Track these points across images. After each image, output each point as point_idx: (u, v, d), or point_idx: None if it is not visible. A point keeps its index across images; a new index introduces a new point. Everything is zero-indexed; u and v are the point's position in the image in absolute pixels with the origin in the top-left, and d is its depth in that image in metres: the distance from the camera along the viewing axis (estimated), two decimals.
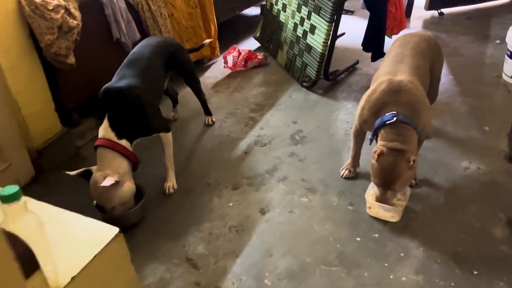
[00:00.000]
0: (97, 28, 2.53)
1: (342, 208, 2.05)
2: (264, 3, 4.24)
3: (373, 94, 1.97)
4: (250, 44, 4.05)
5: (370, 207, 1.99)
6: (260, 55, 3.55)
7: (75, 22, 2.26)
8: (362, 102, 2.05)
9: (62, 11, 2.19)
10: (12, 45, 2.11)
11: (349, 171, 2.24)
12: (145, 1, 2.77)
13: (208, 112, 2.79)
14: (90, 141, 2.66)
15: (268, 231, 1.96)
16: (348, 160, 2.26)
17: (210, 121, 2.79)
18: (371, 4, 2.97)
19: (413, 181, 2.15)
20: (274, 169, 2.35)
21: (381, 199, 1.88)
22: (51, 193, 2.28)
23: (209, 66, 3.63)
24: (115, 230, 1.02)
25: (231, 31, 4.25)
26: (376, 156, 1.81)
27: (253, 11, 4.71)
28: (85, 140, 2.66)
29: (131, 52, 2.24)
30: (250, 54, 3.50)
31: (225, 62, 3.47)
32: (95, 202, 1.96)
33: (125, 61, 2.18)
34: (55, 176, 2.40)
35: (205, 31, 3.42)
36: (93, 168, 1.92)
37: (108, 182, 1.79)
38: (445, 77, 3.11)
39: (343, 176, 2.24)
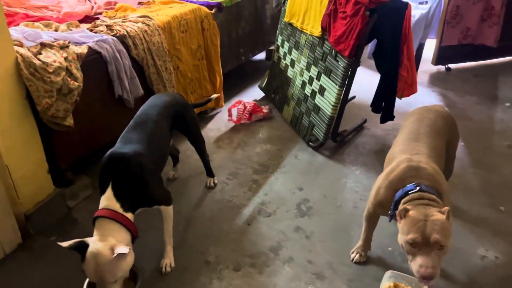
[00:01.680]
0: (98, 85, 2.42)
1: None
2: (271, 48, 4.19)
3: (391, 173, 1.84)
4: (255, 92, 3.96)
5: None
6: (265, 109, 3.45)
7: (76, 83, 2.14)
8: (377, 183, 1.92)
9: (63, 73, 2.08)
10: (6, 106, 1.98)
11: (360, 255, 2.10)
12: (150, 57, 2.67)
13: (210, 174, 2.66)
14: (82, 201, 2.52)
15: None
16: (359, 242, 2.12)
17: (212, 183, 2.65)
18: (382, 68, 2.89)
19: None
20: (278, 246, 2.20)
21: (425, 264, 1.52)
22: (36, 262, 2.11)
23: (212, 117, 3.52)
24: None
25: (236, 77, 4.17)
26: (402, 214, 1.61)
27: (258, 56, 4.65)
28: (77, 200, 2.51)
29: (138, 113, 2.12)
30: (255, 107, 3.40)
31: (230, 115, 3.37)
32: (87, 281, 1.79)
33: (131, 122, 2.06)
34: (42, 241, 2.23)
35: (210, 82, 3.33)
36: (90, 239, 1.72)
37: (124, 249, 1.64)
38: None
39: (353, 261, 2.10)
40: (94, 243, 1.69)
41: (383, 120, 3.10)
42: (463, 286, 1.97)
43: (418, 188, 1.69)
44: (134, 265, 1.88)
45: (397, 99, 3.06)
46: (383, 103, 3.02)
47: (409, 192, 1.70)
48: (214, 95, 2.83)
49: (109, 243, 1.69)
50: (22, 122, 2.07)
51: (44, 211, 2.29)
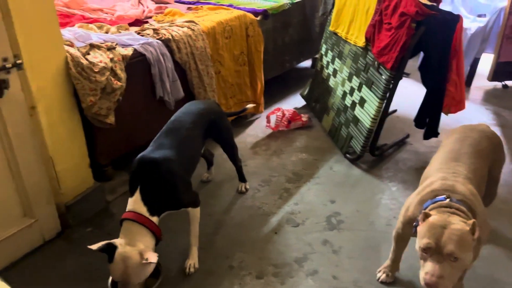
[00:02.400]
0: (140, 86, 2.52)
1: None
2: (317, 56, 4.16)
3: (423, 190, 1.77)
4: (296, 100, 3.94)
5: None
6: (304, 117, 3.42)
7: (119, 83, 2.24)
8: (408, 201, 1.85)
9: (108, 73, 2.18)
10: (55, 103, 2.11)
11: (387, 275, 2.02)
12: (193, 61, 2.74)
13: (242, 179, 2.68)
14: (120, 196, 2.62)
15: None
16: (387, 262, 2.04)
17: (243, 189, 2.67)
18: (428, 82, 2.78)
19: None
20: (304, 258, 2.17)
21: (431, 271, 1.44)
22: (73, 251, 2.22)
23: (251, 122, 3.55)
24: None
25: (279, 84, 4.18)
26: (423, 218, 1.54)
27: (304, 63, 4.63)
28: (116, 195, 2.61)
29: (172, 119, 2.17)
30: (294, 115, 3.38)
31: (268, 121, 3.38)
32: (110, 279, 1.86)
33: (164, 128, 2.12)
34: (80, 231, 2.35)
35: (251, 88, 3.36)
36: (117, 241, 1.78)
37: (154, 258, 1.71)
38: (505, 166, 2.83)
39: (380, 280, 2.02)
40: (123, 246, 1.75)
41: (426, 137, 2.97)
42: None
43: (448, 200, 1.61)
44: (159, 263, 1.94)
45: (443, 115, 2.93)
46: (428, 119, 2.90)
47: (438, 201, 1.63)
48: (250, 105, 2.84)
49: (138, 248, 1.74)
50: (68, 118, 2.20)
51: (83, 203, 2.41)
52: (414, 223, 1.69)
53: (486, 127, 2.16)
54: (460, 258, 1.45)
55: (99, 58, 2.19)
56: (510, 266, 2.10)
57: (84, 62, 2.10)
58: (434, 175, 1.83)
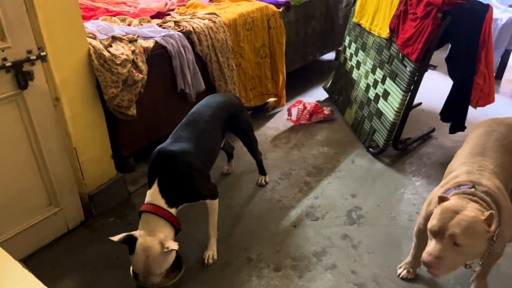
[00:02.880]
0: (162, 78, 2.54)
1: None
2: (340, 48, 4.09)
3: (447, 184, 1.73)
4: (319, 92, 3.90)
5: None
6: (326, 110, 3.38)
7: (140, 75, 2.26)
8: (429, 197, 1.80)
9: (129, 65, 2.21)
10: (78, 94, 2.15)
11: (408, 271, 1.98)
12: (214, 53, 2.74)
13: (262, 172, 2.67)
14: (141, 187, 2.65)
15: None
16: (408, 258, 2.00)
17: (263, 182, 2.66)
18: (455, 74, 2.68)
19: None
20: (322, 252, 2.15)
21: (430, 250, 1.47)
22: (95, 240, 2.27)
23: (272, 115, 3.53)
24: None
25: (301, 76, 4.14)
26: (439, 201, 1.54)
27: (327, 56, 4.56)
28: (137, 186, 2.66)
29: (191, 111, 2.18)
30: (316, 108, 3.34)
31: (289, 114, 3.35)
32: (132, 268, 1.90)
33: (183, 120, 2.12)
34: (102, 221, 2.40)
35: (272, 80, 3.34)
36: (137, 233, 1.81)
37: (175, 245, 1.73)
38: None
39: (400, 276, 1.98)
40: (144, 237, 1.77)
41: (452, 131, 2.88)
42: None
43: (473, 189, 1.58)
44: (180, 255, 1.96)
45: (470, 108, 2.83)
46: (454, 112, 2.81)
47: (462, 189, 1.60)
48: (271, 99, 2.82)
49: (158, 238, 1.77)
50: (91, 109, 2.24)
51: (106, 194, 2.46)
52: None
53: None
54: (463, 245, 1.44)
55: (121, 50, 2.22)
56: None
57: (106, 54, 2.13)
58: (459, 169, 1.78)
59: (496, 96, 2.79)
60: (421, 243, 1.91)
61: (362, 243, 2.20)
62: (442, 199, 1.55)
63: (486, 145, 1.88)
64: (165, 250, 1.73)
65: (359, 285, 1.96)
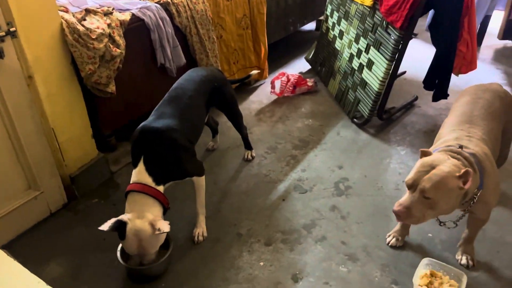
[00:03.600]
0: (141, 53, 2.43)
1: (385, 287, 1.83)
2: (321, 18, 4.02)
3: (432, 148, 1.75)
4: (301, 64, 3.84)
5: None
6: (310, 82, 3.34)
7: (118, 50, 2.16)
8: (418, 162, 1.81)
9: (106, 39, 2.10)
10: (53, 72, 2.04)
11: (397, 239, 2.01)
12: (193, 25, 2.64)
13: (248, 146, 2.64)
14: (124, 166, 2.59)
15: None
16: (396, 226, 2.03)
17: (249, 156, 2.63)
18: (438, 41, 2.67)
19: (470, 262, 1.88)
20: (312, 224, 2.15)
21: (401, 201, 1.54)
22: (80, 222, 2.21)
23: (255, 88, 3.47)
24: None
25: (282, 48, 4.06)
26: (422, 155, 1.60)
27: (308, 26, 4.49)
28: (120, 166, 2.59)
29: (173, 87, 2.10)
30: (300, 80, 3.30)
31: (272, 87, 3.30)
32: (119, 250, 1.86)
33: (165, 96, 2.05)
34: (86, 202, 2.34)
35: (254, 53, 3.26)
36: (125, 217, 1.74)
37: (166, 227, 1.70)
38: None
39: (389, 244, 2.01)
40: (133, 221, 1.71)
41: (435, 99, 2.89)
42: (508, 282, 1.83)
43: (460, 150, 1.61)
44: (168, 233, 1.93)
45: (453, 76, 2.84)
46: (437, 80, 2.81)
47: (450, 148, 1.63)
48: (254, 71, 2.75)
49: (147, 219, 1.72)
50: (67, 87, 2.13)
51: (88, 174, 2.38)
52: None
53: (498, 86, 2.09)
54: (432, 199, 1.49)
55: (96, 24, 2.10)
56: None
57: (81, 28, 2.01)
58: (448, 136, 1.79)
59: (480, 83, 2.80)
60: None
61: (351, 214, 2.21)
62: (424, 153, 1.58)
63: (473, 113, 1.88)
64: (157, 232, 1.69)
65: (350, 255, 1.98)
